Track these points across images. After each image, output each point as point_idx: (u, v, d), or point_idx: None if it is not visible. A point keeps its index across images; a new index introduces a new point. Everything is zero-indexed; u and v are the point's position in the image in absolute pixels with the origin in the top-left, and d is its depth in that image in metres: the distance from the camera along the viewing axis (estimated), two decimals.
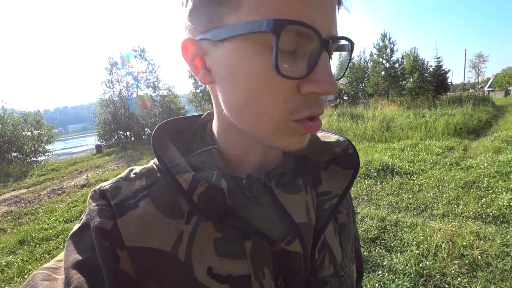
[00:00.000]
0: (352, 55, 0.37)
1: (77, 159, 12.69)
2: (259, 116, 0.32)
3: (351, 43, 0.35)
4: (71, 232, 0.36)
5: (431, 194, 3.93)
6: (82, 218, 0.36)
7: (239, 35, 0.30)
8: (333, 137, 0.47)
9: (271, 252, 0.36)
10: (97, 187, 0.38)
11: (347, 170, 0.44)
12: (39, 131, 14.74)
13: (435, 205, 3.63)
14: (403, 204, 3.71)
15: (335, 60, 0.37)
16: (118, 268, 0.32)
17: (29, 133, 14.31)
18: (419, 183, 4.36)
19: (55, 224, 4.44)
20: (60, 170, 10.22)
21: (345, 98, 23.17)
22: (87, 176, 8.39)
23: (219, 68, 0.33)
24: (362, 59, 24.56)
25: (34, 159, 13.91)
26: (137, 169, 0.40)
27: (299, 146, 0.35)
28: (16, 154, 13.63)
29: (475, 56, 57.81)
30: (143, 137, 20.87)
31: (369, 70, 22.35)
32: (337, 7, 0.33)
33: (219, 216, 0.34)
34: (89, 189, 6.51)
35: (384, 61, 19.49)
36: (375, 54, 20.30)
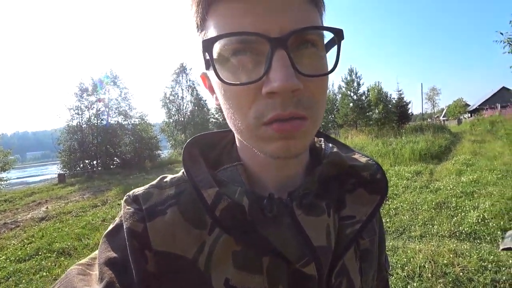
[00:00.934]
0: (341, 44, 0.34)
1: (35, 189, 11.48)
2: (240, 127, 0.35)
3: (334, 31, 0.33)
4: (106, 231, 0.39)
5: (407, 216, 4.06)
6: (116, 220, 0.39)
7: (205, 61, 0.35)
8: (362, 160, 0.46)
9: (287, 271, 0.36)
10: (131, 192, 0.41)
11: (374, 195, 0.43)
12: None
13: (412, 227, 3.73)
14: None
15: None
16: (146, 268, 0.34)
17: None
18: (395, 207, 4.49)
19: (4, 264, 3.88)
20: (15, 201, 9.18)
21: None
22: (47, 207, 7.61)
23: (216, 92, 0.37)
24: (331, 92, 26.11)
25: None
26: (169, 177, 0.42)
27: (283, 151, 0.33)
28: None
29: (429, 89, 64.04)
30: (111, 166, 19.83)
31: (338, 102, 23.69)
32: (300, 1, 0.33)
33: (239, 231, 0.35)
34: (49, 222, 5.89)
35: (352, 94, 20.86)
36: (343, 87, 21.72)
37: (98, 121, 19.91)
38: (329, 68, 0.34)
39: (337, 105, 23.93)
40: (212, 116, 27.64)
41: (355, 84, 20.91)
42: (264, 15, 0.30)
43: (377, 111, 20.24)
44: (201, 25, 0.35)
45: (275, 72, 0.29)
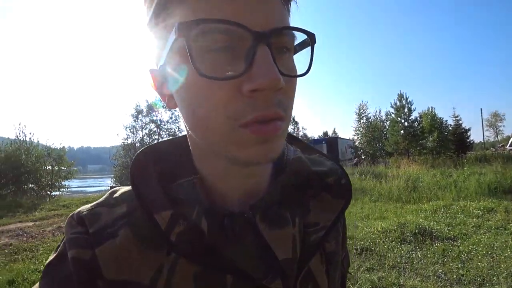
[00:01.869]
0: (314, 48, 0.33)
1: (90, 198, 12.47)
2: (209, 129, 0.31)
3: (309, 35, 0.32)
4: (48, 261, 0.35)
5: (485, 264, 3.38)
6: (59, 246, 0.35)
7: (169, 52, 0.30)
8: (326, 164, 0.45)
9: (252, 287, 0.34)
10: (75, 212, 0.37)
11: (338, 199, 0.42)
12: (59, 166, 15.00)
13: (494, 277, 3.07)
14: (454, 276, 3.18)
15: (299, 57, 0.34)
16: None
17: (50, 167, 14.53)
18: (466, 250, 3.81)
19: None
20: (71, 207, 9.97)
21: (363, 157, 22.92)
22: None
23: (174, 91, 0.33)
24: (378, 118, 24.87)
25: (49, 192, 13.92)
26: (119, 192, 0.39)
27: (262, 157, 0.30)
28: (32, 185, 13.68)
29: (490, 115, 57.29)
30: None
31: (386, 129, 22.40)
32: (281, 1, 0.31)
33: (198, 255, 0.33)
34: None
35: (403, 120, 19.59)
36: (392, 113, 20.56)
37: (150, 140, 21.35)
38: (299, 72, 0.33)
39: (385, 132, 22.64)
40: None
41: (406, 110, 19.68)
42: (246, 7, 0.28)
43: (431, 138, 18.66)
44: (162, 9, 0.31)
45: (261, 67, 0.27)
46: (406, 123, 19.40)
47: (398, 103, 20.17)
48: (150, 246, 0.34)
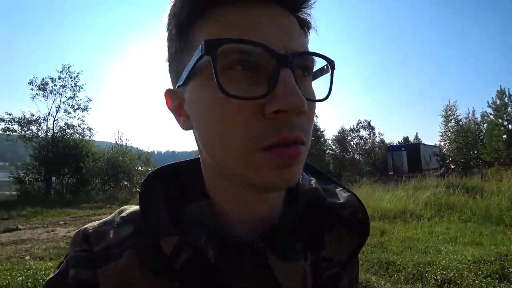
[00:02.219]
0: (334, 74, 0.34)
1: None
2: (228, 150, 0.30)
3: (328, 61, 0.33)
4: (49, 278, 0.34)
5: None
6: (62, 263, 0.35)
7: (192, 70, 0.30)
8: (342, 196, 0.42)
9: None
10: (82, 228, 0.37)
11: (354, 234, 0.40)
12: (147, 167, 17.33)
13: None
14: None
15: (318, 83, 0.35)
16: None
17: (140, 168, 16.97)
18: None
19: None
20: None
21: (453, 166, 19.84)
22: None
23: (191, 110, 0.33)
24: (472, 121, 21.30)
25: (139, 190, 16.43)
26: (127, 212, 0.39)
27: (281, 181, 0.30)
28: (126, 183, 16.24)
29: None
30: None
31: (482, 134, 19.02)
32: (298, 26, 0.33)
33: (201, 282, 0.32)
34: None
35: (505, 122, 16.33)
36: (491, 114, 17.35)
37: None
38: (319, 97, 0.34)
39: (481, 137, 19.23)
40: (329, 147, 26.84)
41: (509, 109, 16.32)
42: (271, 30, 0.29)
43: None
44: (186, 30, 0.32)
45: (285, 89, 0.27)
46: (510, 126, 16.09)
47: (498, 102, 16.87)
48: (154, 272, 0.33)
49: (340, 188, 0.44)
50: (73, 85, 15.40)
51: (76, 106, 15.38)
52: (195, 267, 0.32)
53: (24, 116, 14.32)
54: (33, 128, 14.59)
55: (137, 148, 17.98)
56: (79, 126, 15.53)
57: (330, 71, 0.34)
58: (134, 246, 0.34)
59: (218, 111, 0.30)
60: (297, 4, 0.33)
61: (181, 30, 0.32)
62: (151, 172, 0.39)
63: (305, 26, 0.35)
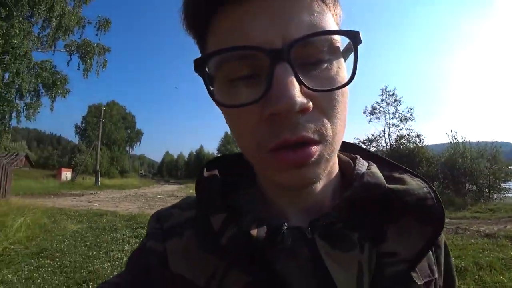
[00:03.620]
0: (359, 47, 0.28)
1: None
2: (246, 154, 0.33)
3: (349, 35, 0.28)
4: (133, 251, 0.40)
5: None
6: (143, 240, 0.40)
7: (205, 84, 0.30)
8: (407, 181, 0.37)
9: None
10: (157, 210, 0.42)
11: (424, 225, 0.34)
12: (495, 165, 14.32)
13: None
14: None
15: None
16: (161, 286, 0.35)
17: (485, 168, 14.36)
18: None
19: None
20: None
21: None
22: None
23: None
24: None
25: (487, 195, 13.68)
26: (192, 198, 0.42)
27: (296, 182, 0.29)
28: (472, 186, 14.21)
29: None
30: None
31: None
32: (309, 2, 0.28)
33: (246, 263, 0.32)
34: None
35: None
36: None
37: None
38: (346, 79, 0.29)
39: None
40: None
41: None
42: (265, 25, 0.27)
43: None
44: (200, 41, 0.33)
45: (276, 90, 0.26)
46: None
47: None
48: (208, 250, 0.34)
49: (408, 174, 0.39)
50: (393, 101, 17.29)
51: (402, 118, 16.90)
52: (240, 243, 0.32)
53: (368, 138, 18.23)
54: (374, 144, 18.07)
55: (476, 142, 15.64)
56: (409, 135, 16.59)
57: (352, 47, 0.29)
58: (193, 227, 0.37)
59: (228, 121, 0.32)
60: None
61: (199, 43, 0.34)
62: (208, 161, 0.41)
63: None
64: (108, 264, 3.89)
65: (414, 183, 0.37)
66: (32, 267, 3.73)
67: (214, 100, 0.30)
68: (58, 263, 3.89)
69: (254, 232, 0.32)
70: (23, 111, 8.85)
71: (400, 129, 16.99)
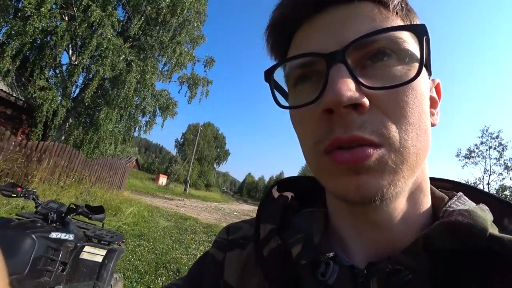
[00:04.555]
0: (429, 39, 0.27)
1: None
2: (306, 159, 0.30)
3: (411, 29, 0.26)
4: (201, 254, 0.43)
5: None
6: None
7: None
8: None
9: None
10: (231, 223, 0.44)
11: None
12: None
13: None
14: None
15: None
16: None
17: None
18: None
19: None
20: None
21: None
22: None
23: None
24: None
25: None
26: None
27: (352, 192, 0.25)
28: None
29: None
30: None
31: None
32: (369, 8, 0.28)
33: (281, 284, 0.30)
34: None
35: None
36: None
37: None
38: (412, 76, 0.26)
39: None
40: None
41: None
42: (324, 34, 0.28)
43: None
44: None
45: (329, 86, 0.25)
46: None
47: None
48: (258, 264, 0.33)
49: None
50: (497, 145, 14.80)
51: (508, 165, 14.28)
52: (278, 258, 0.31)
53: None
54: None
55: None
56: None
57: (418, 41, 0.26)
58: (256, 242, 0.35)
59: (294, 127, 0.32)
60: None
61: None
62: (275, 181, 0.40)
63: (385, 7, 0.28)
64: (186, 256, 4.89)
65: None
66: (135, 244, 5.02)
67: (277, 104, 0.30)
68: (152, 246, 5.09)
69: (295, 251, 0.30)
70: (143, 126, 11.44)
71: (504, 178, 14.37)
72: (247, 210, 20.85)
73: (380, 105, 0.26)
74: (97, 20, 8.20)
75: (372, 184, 0.25)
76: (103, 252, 1.69)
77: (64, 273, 1.52)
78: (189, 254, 5.11)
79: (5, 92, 7.72)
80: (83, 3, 8.00)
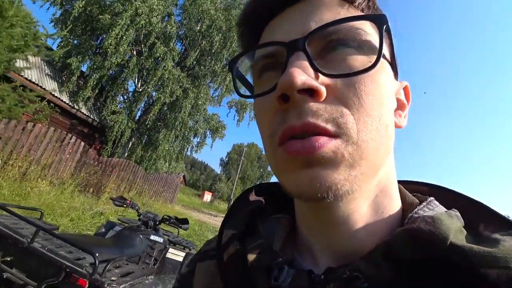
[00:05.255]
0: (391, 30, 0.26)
1: None
2: (266, 153, 0.29)
3: (371, 19, 0.27)
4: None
5: None
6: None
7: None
8: (504, 243, 0.23)
9: None
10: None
11: None
12: None
13: None
14: None
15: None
16: None
17: None
18: None
19: None
20: None
21: None
22: None
23: None
24: None
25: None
26: None
27: (306, 186, 0.24)
28: None
29: None
30: None
31: None
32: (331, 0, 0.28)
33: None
34: None
35: None
36: None
37: None
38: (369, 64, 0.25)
39: None
40: None
41: None
42: (288, 24, 0.28)
43: None
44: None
45: (285, 72, 0.24)
46: None
47: None
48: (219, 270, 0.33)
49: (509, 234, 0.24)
50: None
51: None
52: (237, 264, 0.30)
53: None
54: None
55: None
56: None
57: (378, 31, 0.26)
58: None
59: (256, 115, 0.31)
60: None
61: None
62: (261, 183, 0.40)
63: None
64: None
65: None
66: None
67: (237, 93, 0.30)
68: None
69: (251, 257, 0.30)
70: (195, 146, 12.46)
71: None
72: None
73: (337, 94, 0.25)
74: (161, 55, 9.56)
75: (326, 178, 0.23)
76: (183, 254, 2.18)
77: (155, 266, 2.01)
78: None
79: (85, 114, 9.30)
80: (149, 40, 9.46)
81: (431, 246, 0.23)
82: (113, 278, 1.40)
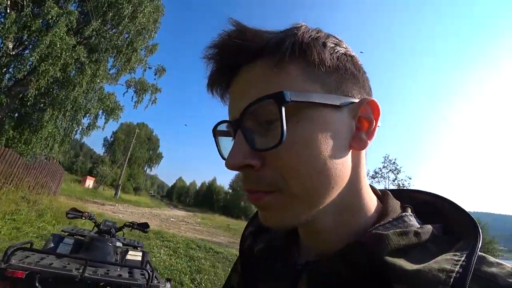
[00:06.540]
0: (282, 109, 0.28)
1: None
2: None
3: (270, 98, 0.29)
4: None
5: None
6: None
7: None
8: (437, 259, 0.27)
9: None
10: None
11: None
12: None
13: None
14: None
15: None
16: None
17: None
18: None
19: None
20: None
21: None
22: None
23: None
24: None
25: None
26: None
27: (263, 221, 0.34)
28: None
29: None
30: None
31: None
32: (264, 71, 0.31)
33: (246, 273, 0.45)
34: None
35: None
36: None
37: None
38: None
39: None
40: None
41: None
42: (234, 103, 0.34)
43: None
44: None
45: (229, 153, 0.32)
46: None
47: None
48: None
49: (457, 254, 0.28)
50: (393, 169, 19.04)
51: (400, 185, 18.43)
52: (250, 253, 0.45)
53: None
54: None
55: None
56: None
57: (278, 109, 0.28)
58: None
59: None
60: (250, 53, 0.31)
61: None
62: None
63: (279, 60, 0.30)
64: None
65: (445, 262, 0.27)
66: None
67: (222, 157, 0.36)
68: None
69: (257, 250, 0.43)
70: (85, 129, 10.94)
71: None
72: (181, 215, 20.72)
73: (270, 162, 0.31)
74: (54, 17, 7.87)
75: (273, 219, 0.33)
76: (139, 253, 2.37)
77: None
78: (156, 258, 5.57)
79: None
80: None
81: (366, 257, 0.30)
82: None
